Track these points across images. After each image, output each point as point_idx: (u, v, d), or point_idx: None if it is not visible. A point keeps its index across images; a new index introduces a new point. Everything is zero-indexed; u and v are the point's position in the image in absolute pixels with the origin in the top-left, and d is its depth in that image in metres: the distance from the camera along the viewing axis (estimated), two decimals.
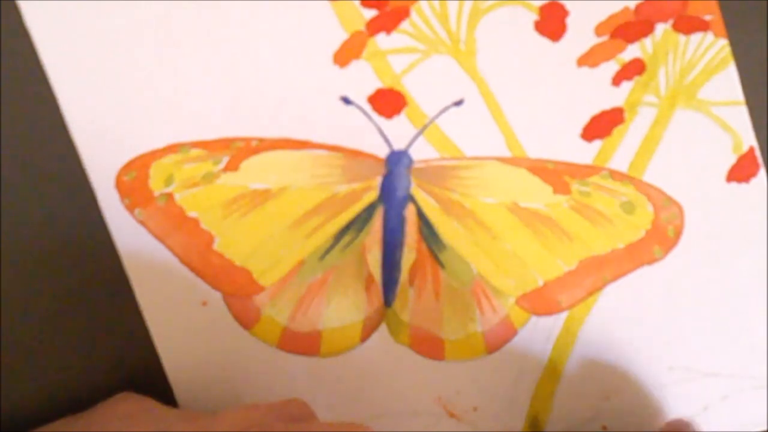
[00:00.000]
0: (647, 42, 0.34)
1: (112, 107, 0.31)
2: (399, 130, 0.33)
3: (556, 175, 0.34)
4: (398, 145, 0.33)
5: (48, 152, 0.31)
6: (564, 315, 0.35)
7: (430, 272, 0.34)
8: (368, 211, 0.34)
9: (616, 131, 0.34)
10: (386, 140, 0.33)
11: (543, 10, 0.33)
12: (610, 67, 0.34)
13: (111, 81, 0.31)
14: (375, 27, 0.32)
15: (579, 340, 0.35)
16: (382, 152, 0.33)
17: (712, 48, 0.34)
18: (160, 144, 0.32)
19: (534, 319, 0.35)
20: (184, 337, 0.33)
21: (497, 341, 0.35)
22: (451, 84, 0.33)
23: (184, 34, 0.31)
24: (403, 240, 0.34)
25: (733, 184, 0.35)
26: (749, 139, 0.34)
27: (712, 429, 0.36)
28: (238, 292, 0.33)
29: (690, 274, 0.35)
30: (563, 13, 0.33)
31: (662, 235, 0.35)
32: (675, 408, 0.35)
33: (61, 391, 0.32)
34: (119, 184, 0.32)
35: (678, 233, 0.35)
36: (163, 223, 0.32)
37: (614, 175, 0.34)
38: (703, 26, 0.34)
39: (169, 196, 0.32)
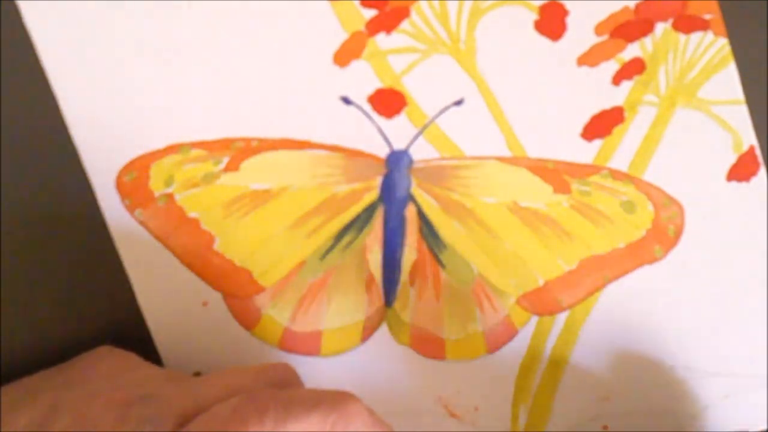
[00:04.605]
0: (647, 41, 0.34)
1: (112, 107, 0.31)
2: (399, 130, 0.33)
3: (556, 174, 0.34)
4: (398, 145, 0.33)
5: (48, 152, 0.31)
6: (564, 315, 0.35)
7: (431, 272, 0.34)
8: (369, 211, 0.34)
9: (616, 131, 0.34)
10: (386, 140, 0.33)
11: (543, 10, 0.33)
12: (610, 67, 0.34)
13: (111, 81, 0.31)
14: (375, 27, 0.32)
15: (579, 339, 0.35)
16: (382, 152, 0.33)
17: (712, 47, 0.34)
18: (160, 144, 0.32)
19: (534, 318, 0.35)
20: (184, 337, 0.33)
21: (498, 341, 0.35)
22: (451, 84, 0.33)
23: (184, 34, 0.31)
24: (404, 240, 0.34)
25: (734, 183, 0.35)
26: (749, 138, 0.35)
27: (713, 428, 0.36)
28: (238, 292, 0.33)
29: (690, 273, 0.35)
30: (563, 12, 0.33)
31: (663, 235, 0.35)
32: (676, 407, 0.35)
33: None
34: (119, 185, 0.32)
35: (678, 232, 0.35)
36: (163, 224, 0.32)
37: (614, 174, 0.34)
38: (703, 25, 0.34)
39: (170, 197, 0.32)
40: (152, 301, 0.32)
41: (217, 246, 0.33)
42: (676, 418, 0.35)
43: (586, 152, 0.34)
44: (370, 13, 0.32)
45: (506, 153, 0.34)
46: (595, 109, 0.34)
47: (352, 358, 0.34)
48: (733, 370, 0.36)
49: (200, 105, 0.32)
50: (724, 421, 0.36)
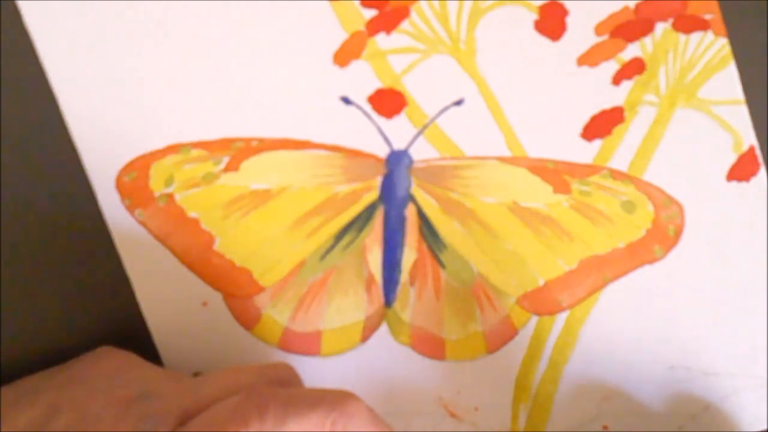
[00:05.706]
0: (647, 41, 0.34)
1: (112, 107, 0.31)
2: (399, 130, 0.33)
3: (556, 174, 0.34)
4: (398, 145, 0.33)
5: (48, 152, 0.31)
6: (565, 315, 0.35)
7: (431, 272, 0.34)
8: (369, 211, 0.34)
9: (616, 130, 0.34)
10: (386, 140, 0.33)
11: (543, 10, 0.33)
12: (610, 67, 0.34)
13: (111, 81, 0.31)
14: (375, 27, 0.32)
15: (579, 339, 0.35)
16: (382, 152, 0.33)
17: (712, 47, 0.34)
18: (160, 144, 0.32)
19: (534, 318, 0.35)
20: (184, 337, 0.33)
21: (498, 341, 0.35)
22: (451, 84, 0.33)
23: (184, 34, 0.31)
24: (404, 240, 0.34)
25: (734, 183, 0.35)
26: (749, 138, 0.35)
27: (713, 429, 0.36)
28: (238, 292, 0.33)
29: (690, 273, 0.35)
30: (563, 12, 0.33)
31: (663, 235, 0.35)
32: (676, 408, 0.35)
33: None
34: (120, 185, 0.32)
35: (678, 232, 0.35)
36: (163, 224, 0.32)
37: (614, 174, 0.34)
38: (703, 25, 0.34)
39: (170, 197, 0.32)
40: (152, 301, 0.32)
41: (217, 246, 0.33)
42: (676, 418, 0.35)
43: (586, 152, 0.34)
44: (370, 13, 0.32)
45: (506, 153, 0.34)
46: (595, 109, 0.34)
47: (352, 358, 0.34)
48: (734, 370, 0.36)
49: (200, 105, 0.32)
50: (724, 421, 0.36)
